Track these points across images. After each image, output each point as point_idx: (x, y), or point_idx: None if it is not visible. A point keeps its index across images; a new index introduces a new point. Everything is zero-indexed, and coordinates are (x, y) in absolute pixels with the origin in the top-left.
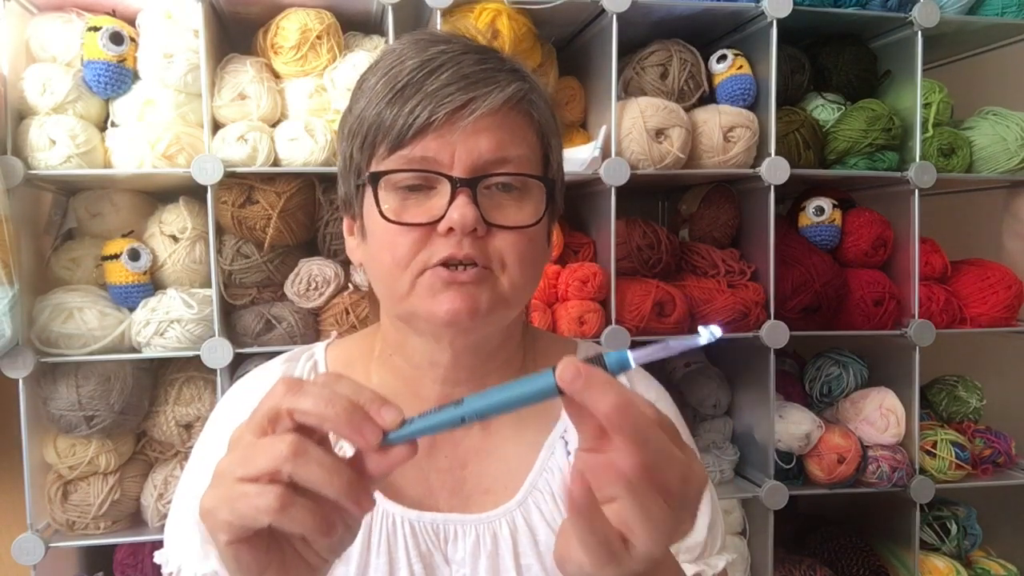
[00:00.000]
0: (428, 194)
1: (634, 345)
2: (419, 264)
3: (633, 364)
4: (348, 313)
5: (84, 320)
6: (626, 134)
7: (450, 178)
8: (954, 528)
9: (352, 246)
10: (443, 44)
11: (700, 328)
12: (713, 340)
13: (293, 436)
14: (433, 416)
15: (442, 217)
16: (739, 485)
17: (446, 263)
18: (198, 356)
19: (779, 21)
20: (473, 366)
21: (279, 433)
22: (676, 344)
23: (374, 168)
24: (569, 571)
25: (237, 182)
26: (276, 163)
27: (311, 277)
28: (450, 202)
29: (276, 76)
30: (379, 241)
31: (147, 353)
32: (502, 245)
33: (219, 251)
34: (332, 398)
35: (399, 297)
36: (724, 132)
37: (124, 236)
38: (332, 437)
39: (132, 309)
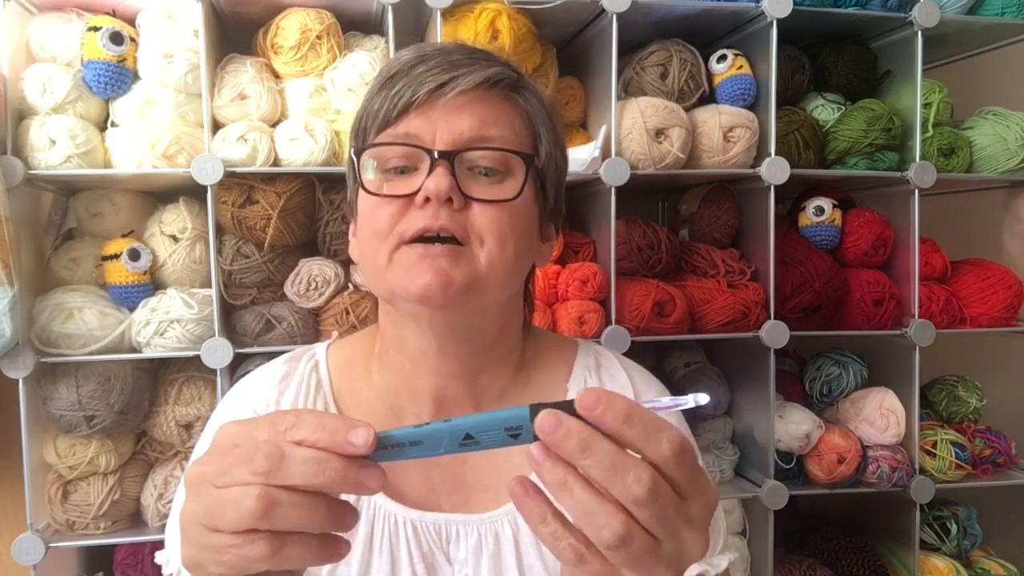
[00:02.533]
0: (412, 173)
1: (634, 345)
2: (396, 237)
3: None
4: (348, 313)
5: (84, 320)
6: (626, 134)
7: (428, 151)
8: (954, 528)
9: (352, 245)
10: (439, 46)
11: (692, 395)
12: (697, 405)
13: (259, 490)
14: (415, 430)
15: (420, 189)
16: (739, 485)
17: (421, 235)
18: (198, 356)
19: (779, 21)
20: (463, 357)
21: (243, 485)
22: (666, 404)
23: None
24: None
25: (237, 182)
26: (276, 163)
27: (311, 277)
28: (428, 175)
29: (276, 76)
30: (364, 218)
31: (147, 353)
32: (480, 220)
33: (219, 251)
34: (321, 462)
35: (378, 272)
36: (724, 132)
37: (124, 236)
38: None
39: (132, 309)
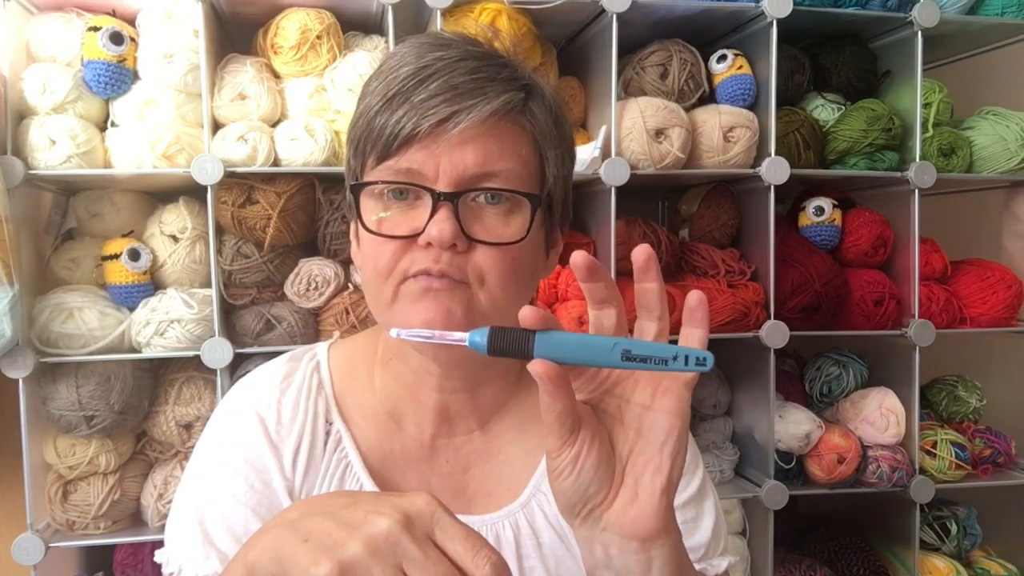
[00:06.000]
0: (413, 203)
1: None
2: (399, 274)
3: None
4: (348, 313)
5: (84, 320)
6: (626, 134)
7: (432, 192)
8: (954, 528)
9: (354, 248)
10: (442, 50)
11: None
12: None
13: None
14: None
15: (423, 231)
16: (739, 485)
17: (424, 274)
18: (198, 356)
19: (779, 21)
20: (466, 376)
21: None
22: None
23: (363, 178)
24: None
25: (237, 182)
26: (276, 163)
27: (311, 277)
28: (431, 215)
29: (276, 76)
30: (365, 250)
31: (147, 353)
32: (483, 261)
33: (219, 251)
34: None
35: (382, 306)
36: (724, 132)
37: (124, 236)
38: None
39: (132, 309)
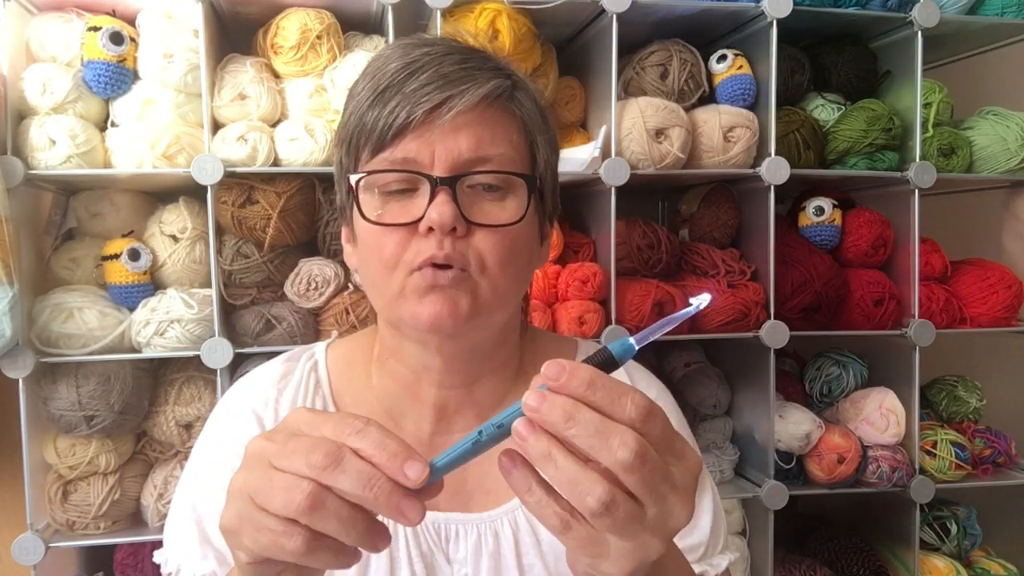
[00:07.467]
0: (412, 196)
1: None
2: (405, 266)
3: (636, 345)
4: (348, 313)
5: (84, 320)
6: (626, 134)
7: (429, 177)
8: (954, 528)
9: (348, 252)
10: (427, 47)
11: (691, 299)
12: (702, 306)
13: (311, 487)
14: (456, 448)
15: (422, 217)
16: (739, 485)
17: (429, 263)
18: (198, 356)
19: (779, 21)
20: (466, 370)
21: (297, 476)
22: (674, 317)
23: (359, 171)
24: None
25: (237, 182)
26: (276, 163)
27: (311, 277)
28: (430, 201)
29: (276, 76)
30: (367, 244)
31: (147, 353)
32: (482, 245)
33: (219, 251)
34: (371, 478)
35: (389, 300)
36: (724, 132)
37: (124, 236)
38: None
39: (132, 309)
